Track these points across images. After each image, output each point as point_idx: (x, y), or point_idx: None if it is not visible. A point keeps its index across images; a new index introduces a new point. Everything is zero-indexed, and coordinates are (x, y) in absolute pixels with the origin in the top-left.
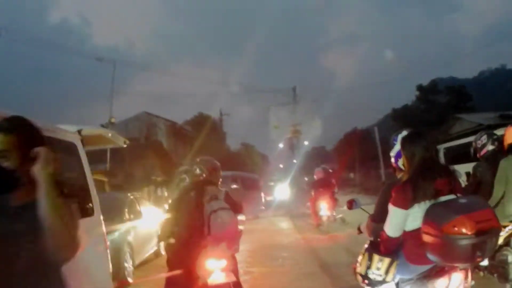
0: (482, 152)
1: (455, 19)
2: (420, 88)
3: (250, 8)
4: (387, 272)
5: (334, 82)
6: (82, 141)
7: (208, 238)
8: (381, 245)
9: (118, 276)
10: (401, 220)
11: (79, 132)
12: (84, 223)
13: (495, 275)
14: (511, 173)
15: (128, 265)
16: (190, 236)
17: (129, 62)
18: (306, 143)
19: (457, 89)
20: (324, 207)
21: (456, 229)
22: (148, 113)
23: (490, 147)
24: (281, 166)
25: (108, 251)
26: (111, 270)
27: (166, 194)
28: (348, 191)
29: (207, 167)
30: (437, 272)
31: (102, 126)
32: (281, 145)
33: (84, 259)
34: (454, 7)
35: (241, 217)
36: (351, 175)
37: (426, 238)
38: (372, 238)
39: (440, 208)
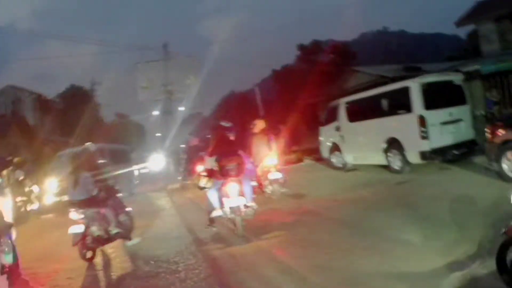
0: (254, 130)
1: None
2: (301, 47)
3: None
4: (206, 183)
5: (209, 46)
6: None
7: None
8: (206, 172)
9: None
10: (210, 161)
11: None
12: None
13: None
14: (259, 143)
15: None
16: None
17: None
18: (181, 108)
19: (341, 47)
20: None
21: (223, 163)
22: (13, 87)
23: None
24: (158, 135)
25: None
26: None
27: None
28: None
29: None
30: (224, 183)
31: None
32: (156, 112)
33: None
34: None
35: None
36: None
37: (216, 169)
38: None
39: (219, 156)
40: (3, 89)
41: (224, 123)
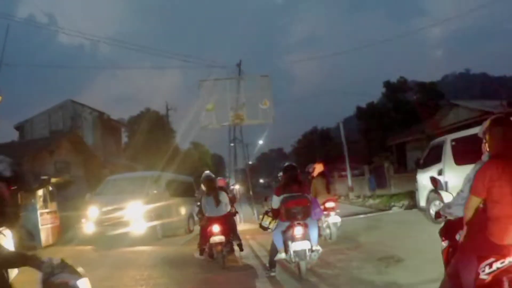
0: (313, 174)
1: (417, 24)
2: (387, 84)
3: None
4: (270, 223)
5: (294, 86)
6: None
7: None
8: (271, 212)
9: None
10: (276, 200)
11: None
12: None
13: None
14: (317, 185)
15: None
16: None
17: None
18: (261, 142)
19: (428, 86)
20: None
21: (290, 205)
22: (73, 101)
23: (310, 170)
24: (240, 168)
25: None
26: None
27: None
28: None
29: None
30: (289, 225)
31: None
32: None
33: None
34: (417, 12)
35: None
36: (309, 177)
37: (282, 210)
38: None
39: (286, 197)
40: (63, 103)
41: (294, 164)
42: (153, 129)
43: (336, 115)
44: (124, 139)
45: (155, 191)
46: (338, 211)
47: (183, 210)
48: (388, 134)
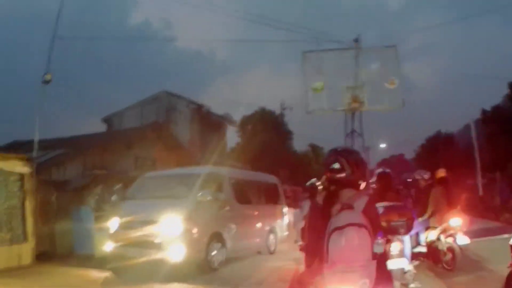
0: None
1: None
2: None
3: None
4: None
5: (410, 90)
6: None
7: (325, 267)
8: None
9: None
10: None
11: None
12: None
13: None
14: (437, 197)
15: None
16: (312, 262)
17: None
18: (383, 145)
19: None
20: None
21: (391, 218)
22: (168, 92)
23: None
24: None
25: None
26: None
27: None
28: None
29: (348, 160)
30: (386, 240)
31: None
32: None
33: None
34: None
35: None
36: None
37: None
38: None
39: (386, 207)
40: (157, 94)
41: (388, 170)
42: (267, 129)
43: (457, 120)
44: (237, 139)
45: (208, 196)
46: (464, 230)
47: (259, 223)
48: None
